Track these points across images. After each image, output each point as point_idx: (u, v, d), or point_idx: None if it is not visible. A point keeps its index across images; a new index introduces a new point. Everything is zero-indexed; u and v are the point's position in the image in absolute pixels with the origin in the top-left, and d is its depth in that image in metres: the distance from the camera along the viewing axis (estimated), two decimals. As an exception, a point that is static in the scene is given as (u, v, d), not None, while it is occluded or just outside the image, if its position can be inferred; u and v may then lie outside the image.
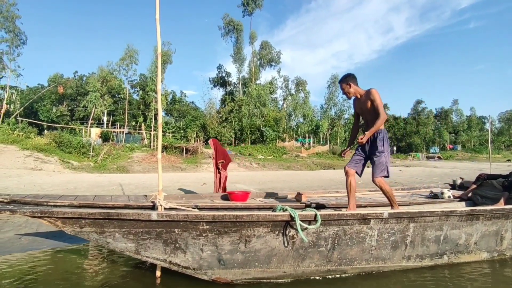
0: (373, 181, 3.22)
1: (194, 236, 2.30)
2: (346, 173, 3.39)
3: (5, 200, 2.89)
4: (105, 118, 31.24)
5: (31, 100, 25.84)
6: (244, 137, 32.28)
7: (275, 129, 33.66)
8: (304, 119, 40.77)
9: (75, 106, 32.91)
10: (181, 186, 8.97)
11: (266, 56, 40.69)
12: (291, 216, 2.36)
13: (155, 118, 28.16)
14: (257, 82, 39.49)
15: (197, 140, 28.41)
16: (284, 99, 43.27)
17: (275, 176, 14.12)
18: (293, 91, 42.72)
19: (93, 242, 2.23)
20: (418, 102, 56.53)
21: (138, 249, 2.26)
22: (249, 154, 25.99)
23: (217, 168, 5.70)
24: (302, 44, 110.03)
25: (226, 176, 5.77)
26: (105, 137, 26.37)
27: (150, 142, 25.81)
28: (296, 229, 2.34)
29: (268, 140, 31.95)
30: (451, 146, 55.68)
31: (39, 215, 2.05)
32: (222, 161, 5.74)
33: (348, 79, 3.45)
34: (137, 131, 31.12)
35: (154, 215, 2.17)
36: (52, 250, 3.74)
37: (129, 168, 16.47)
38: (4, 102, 22.95)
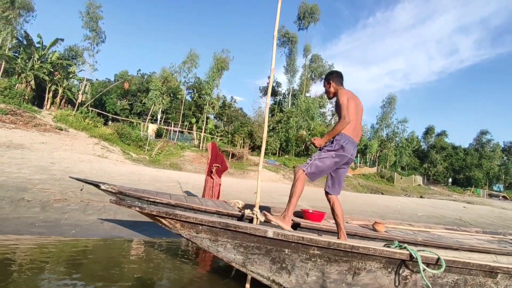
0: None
1: (303, 259, 2.21)
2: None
3: (113, 191, 3.10)
4: (159, 115, 33.29)
5: (101, 93, 28.51)
6: (289, 149, 32.03)
7: (321, 144, 32.85)
8: (352, 137, 39.32)
9: (134, 101, 35.51)
10: (233, 192, 9.08)
11: (317, 69, 40.31)
12: (410, 255, 2.16)
13: (207, 121, 29.30)
14: (307, 94, 39.17)
15: (243, 146, 28.88)
16: (333, 115, 42.25)
17: (322, 193, 13.64)
18: (343, 107, 41.56)
19: (204, 247, 2.25)
20: (483, 132, 51.27)
21: (245, 262, 2.23)
22: (294, 167, 25.63)
23: (210, 172, 5.43)
24: (356, 60, 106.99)
25: (219, 184, 5.49)
26: (158, 133, 28.05)
27: (200, 143, 26.83)
28: (417, 272, 2.13)
29: (313, 154, 31.29)
30: (520, 186, 49.16)
31: (163, 215, 2.12)
32: (217, 165, 5.47)
33: (330, 77, 3.10)
34: (188, 131, 32.60)
35: (270, 233, 2.12)
36: (135, 241, 3.89)
37: (181, 166, 17.22)
38: (80, 93, 25.64)
